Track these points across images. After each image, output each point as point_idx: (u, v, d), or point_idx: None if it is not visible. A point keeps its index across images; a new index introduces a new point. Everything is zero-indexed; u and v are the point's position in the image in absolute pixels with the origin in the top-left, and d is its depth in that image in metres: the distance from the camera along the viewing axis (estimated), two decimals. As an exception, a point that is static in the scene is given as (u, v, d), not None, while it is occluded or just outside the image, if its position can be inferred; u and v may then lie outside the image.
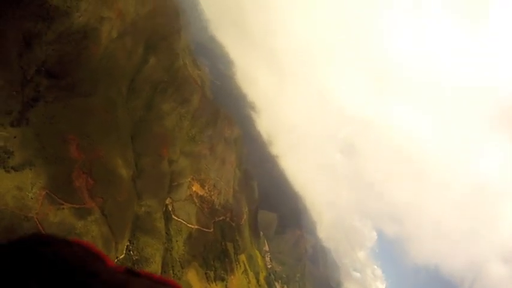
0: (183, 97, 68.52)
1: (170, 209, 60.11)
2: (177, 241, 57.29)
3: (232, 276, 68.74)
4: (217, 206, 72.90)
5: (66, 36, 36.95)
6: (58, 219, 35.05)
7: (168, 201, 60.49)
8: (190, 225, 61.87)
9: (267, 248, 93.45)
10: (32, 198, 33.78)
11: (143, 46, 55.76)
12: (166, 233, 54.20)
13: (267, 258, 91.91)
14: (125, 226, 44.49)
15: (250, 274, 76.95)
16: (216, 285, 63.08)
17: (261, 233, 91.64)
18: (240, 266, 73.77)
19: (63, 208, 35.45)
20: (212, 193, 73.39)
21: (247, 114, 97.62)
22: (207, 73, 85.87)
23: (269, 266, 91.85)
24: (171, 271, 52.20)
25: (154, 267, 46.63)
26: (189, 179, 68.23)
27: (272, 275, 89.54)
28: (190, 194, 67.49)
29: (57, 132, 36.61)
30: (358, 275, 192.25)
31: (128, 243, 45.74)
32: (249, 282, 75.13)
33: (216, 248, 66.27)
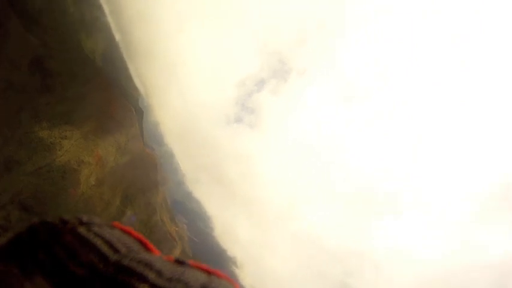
0: (161, 253, 64.62)
1: None
2: None
3: None
4: None
5: (46, 173, 36.38)
6: None
7: None
8: None
9: None
10: None
11: (120, 197, 55.20)
12: None
13: None
14: None
15: None
16: None
17: None
18: None
19: None
20: None
21: (229, 270, 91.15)
22: (185, 230, 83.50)
23: None
24: None
25: None
26: None
27: None
28: None
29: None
30: None
31: None
32: None
33: None
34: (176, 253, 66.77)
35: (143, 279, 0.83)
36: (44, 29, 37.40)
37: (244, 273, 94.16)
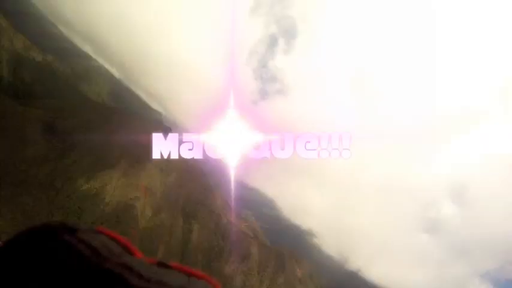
0: (241, 254, 65.08)
1: None
2: None
3: None
4: None
5: (100, 225, 37.11)
6: None
7: None
8: None
9: None
10: None
11: (182, 216, 55.56)
12: None
13: None
14: None
15: None
16: None
17: None
18: None
19: None
20: None
21: (310, 243, 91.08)
22: (254, 222, 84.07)
23: None
24: None
25: None
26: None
27: None
28: None
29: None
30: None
31: None
32: None
33: None
34: (255, 250, 66.83)
35: (122, 281, 0.85)
36: (41, 96, 37.36)
37: (325, 242, 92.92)
